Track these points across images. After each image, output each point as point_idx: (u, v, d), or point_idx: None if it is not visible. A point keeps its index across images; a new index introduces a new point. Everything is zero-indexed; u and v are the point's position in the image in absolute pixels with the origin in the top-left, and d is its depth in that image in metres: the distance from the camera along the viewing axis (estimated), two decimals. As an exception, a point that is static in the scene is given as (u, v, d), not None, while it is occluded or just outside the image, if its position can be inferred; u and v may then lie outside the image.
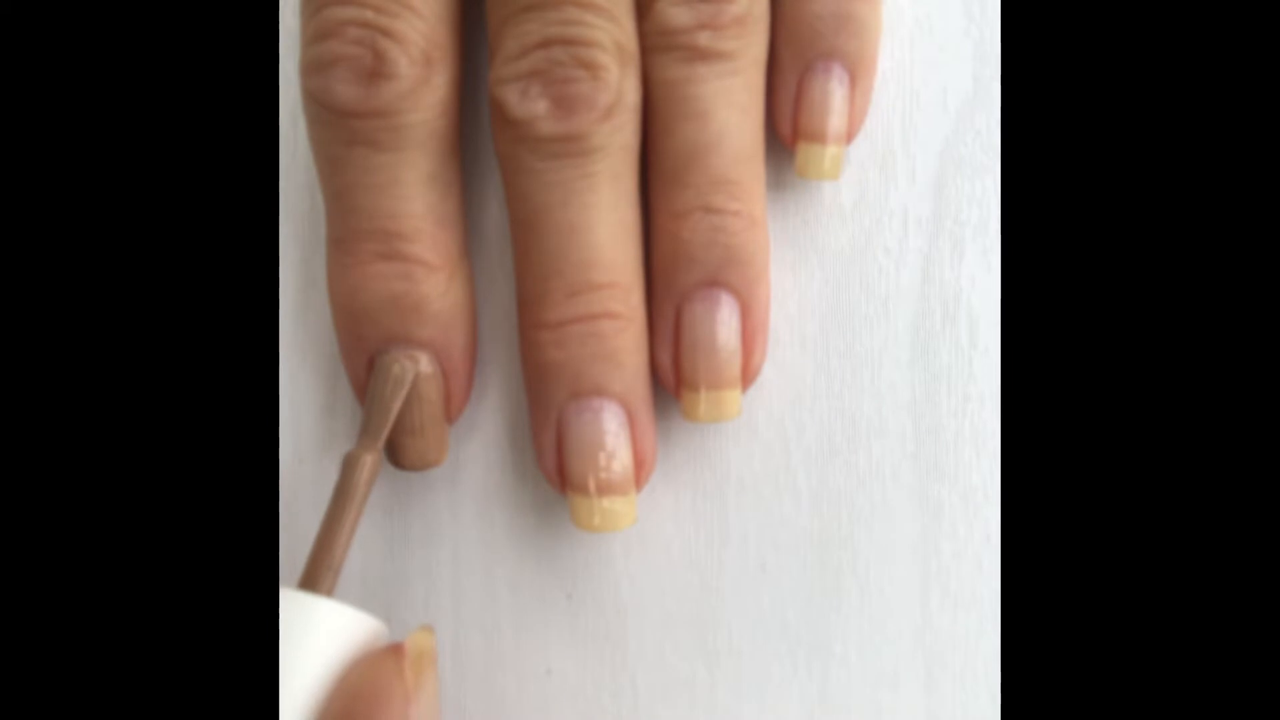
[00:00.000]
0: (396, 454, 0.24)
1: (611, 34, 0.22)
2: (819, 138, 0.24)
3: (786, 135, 0.24)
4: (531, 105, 0.22)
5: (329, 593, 0.22)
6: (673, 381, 0.24)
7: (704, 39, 0.22)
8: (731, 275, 0.23)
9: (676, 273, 0.23)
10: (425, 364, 0.23)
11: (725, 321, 0.24)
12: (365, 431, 0.23)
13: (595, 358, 0.23)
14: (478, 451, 0.26)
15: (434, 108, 0.22)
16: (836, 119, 0.24)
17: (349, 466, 0.23)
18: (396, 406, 0.23)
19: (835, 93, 0.24)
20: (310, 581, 0.22)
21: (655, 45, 0.23)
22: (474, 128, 0.25)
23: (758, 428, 0.26)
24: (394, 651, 0.21)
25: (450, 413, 0.24)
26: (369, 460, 0.23)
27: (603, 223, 0.23)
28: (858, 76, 0.24)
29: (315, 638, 0.21)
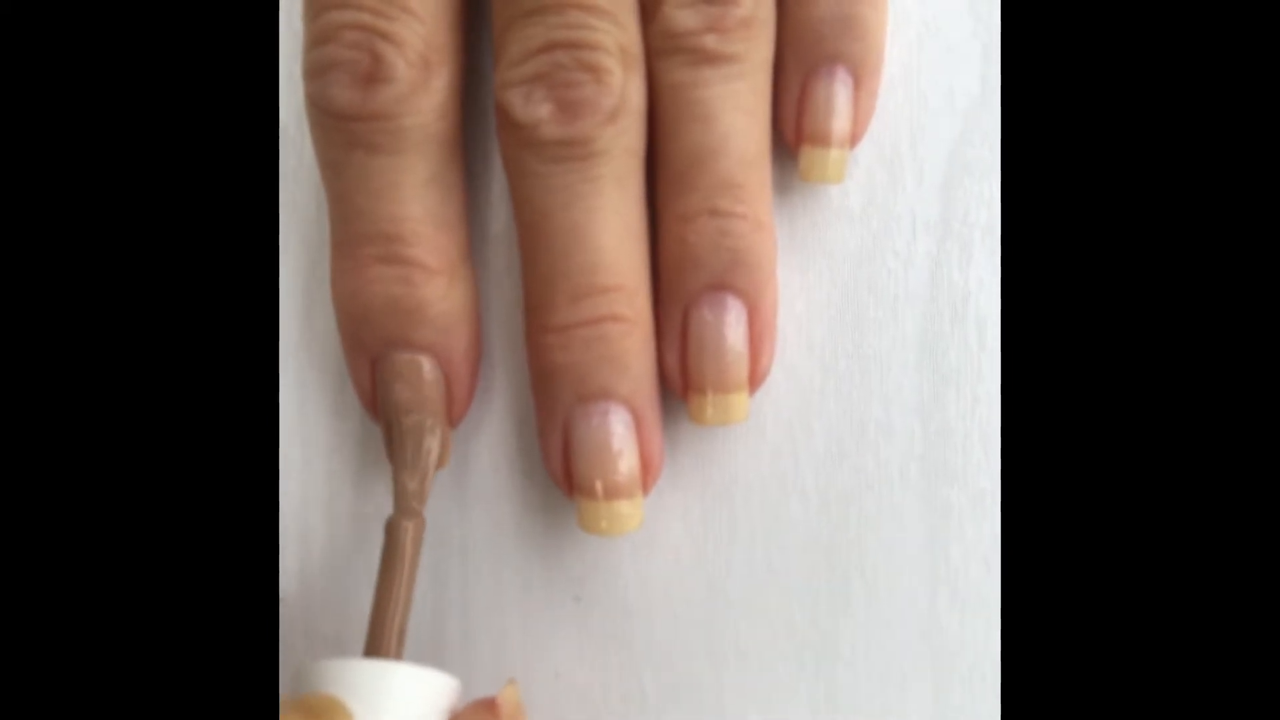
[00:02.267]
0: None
1: (615, 37, 0.22)
2: (823, 140, 0.24)
3: (791, 138, 0.24)
4: (535, 109, 0.22)
5: (399, 656, 0.22)
6: (680, 385, 0.24)
7: (710, 42, 0.22)
8: (738, 278, 0.23)
9: (683, 276, 0.23)
10: (426, 367, 0.23)
11: (732, 325, 0.23)
12: (399, 496, 0.23)
13: (601, 361, 0.23)
14: (485, 455, 0.26)
15: (432, 111, 0.22)
16: (840, 122, 0.24)
17: (391, 534, 0.22)
18: (428, 468, 0.23)
19: (839, 95, 0.24)
20: (377, 647, 0.22)
21: (661, 48, 0.23)
22: (480, 130, 0.25)
23: (765, 430, 0.26)
24: (488, 710, 0.21)
25: (452, 417, 0.24)
26: (410, 526, 0.23)
27: (607, 226, 0.23)
28: (862, 79, 0.24)
29: (399, 704, 0.21)
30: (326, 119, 0.22)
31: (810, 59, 0.24)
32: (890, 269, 0.25)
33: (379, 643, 0.22)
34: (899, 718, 0.25)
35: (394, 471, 0.23)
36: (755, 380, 0.24)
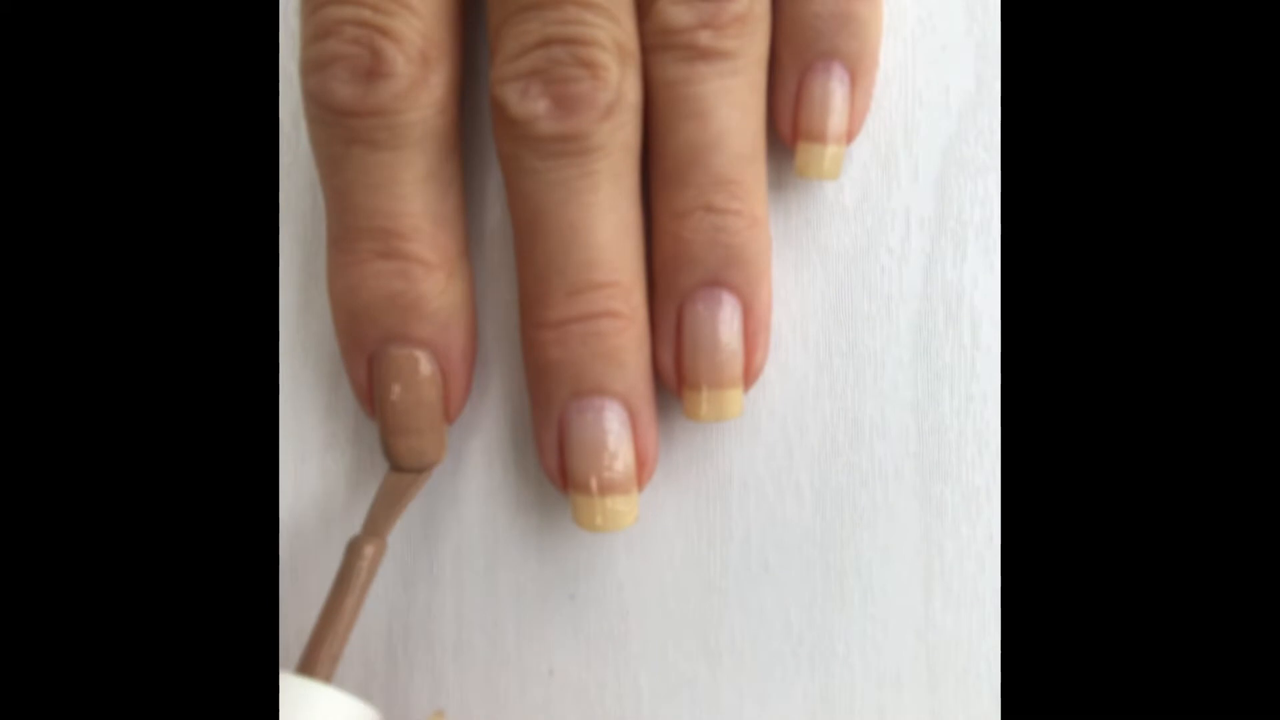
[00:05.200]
0: (395, 454, 0.24)
1: (611, 33, 0.22)
2: (819, 137, 0.24)
3: (787, 135, 0.24)
4: (532, 105, 0.22)
5: (328, 679, 0.22)
6: (675, 381, 0.24)
7: (705, 38, 0.22)
8: (733, 275, 0.23)
9: (678, 272, 0.23)
10: (424, 363, 0.23)
11: (727, 321, 0.24)
12: (371, 520, 0.23)
13: (596, 357, 0.23)
14: (480, 451, 0.26)
15: (431, 106, 0.22)
16: (836, 119, 0.24)
17: (351, 554, 0.23)
18: (407, 502, 0.24)
19: (835, 92, 0.24)
20: (309, 666, 0.22)
21: (656, 44, 0.23)
22: (476, 127, 0.25)
23: (760, 427, 0.26)
24: None
25: (449, 413, 0.24)
26: (370, 550, 0.23)
27: (604, 222, 0.23)
28: (858, 76, 0.24)
29: None
30: (325, 114, 0.22)
31: (806, 55, 0.24)
32: (884, 266, 0.26)
33: (313, 661, 0.22)
34: (894, 715, 0.25)
35: (377, 496, 0.24)
36: (749, 377, 0.24)
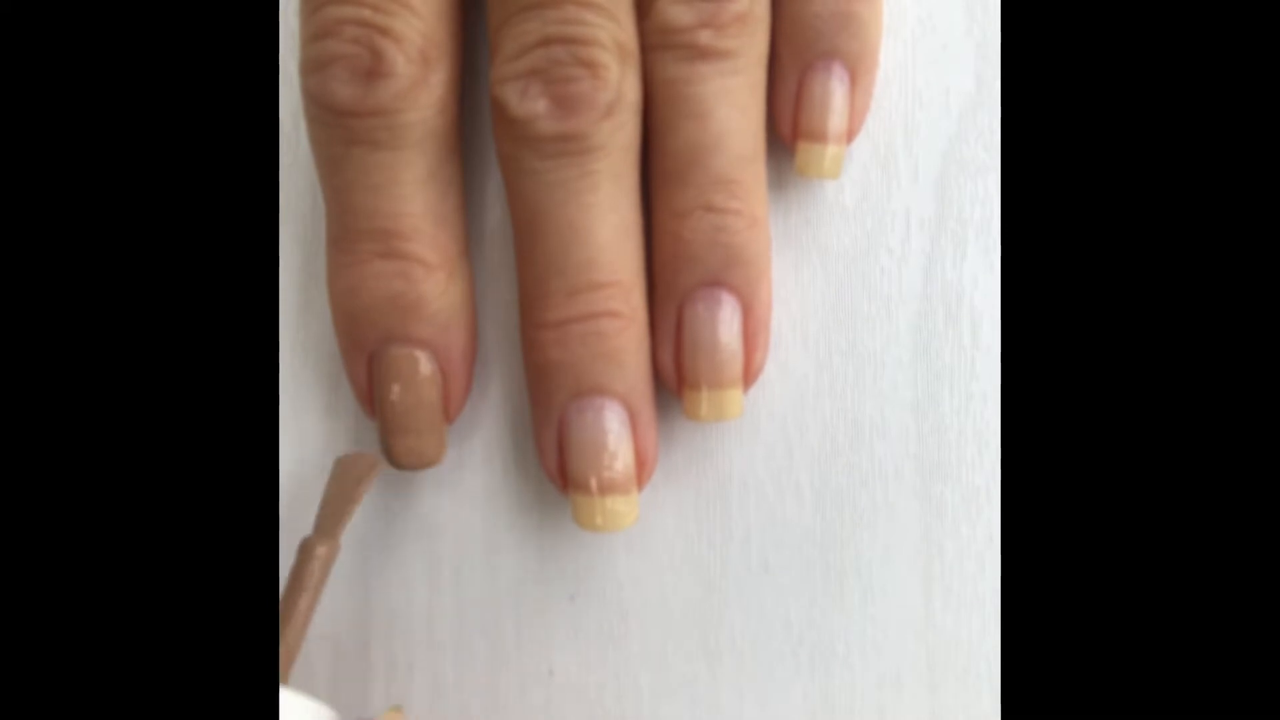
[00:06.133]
0: (395, 454, 0.24)
1: (611, 33, 0.22)
2: (819, 137, 0.24)
3: (787, 134, 0.24)
4: (531, 104, 0.22)
5: (284, 680, 0.22)
6: (675, 381, 0.24)
7: (705, 38, 0.22)
8: (733, 275, 0.23)
9: (678, 272, 0.23)
10: (424, 364, 0.23)
11: (726, 321, 0.24)
12: (321, 520, 0.23)
13: (596, 357, 0.23)
14: (480, 451, 0.26)
15: (432, 107, 0.22)
16: (837, 118, 0.24)
17: (303, 556, 0.23)
18: (358, 501, 0.23)
19: (835, 92, 0.24)
20: None
21: (656, 44, 0.23)
22: (476, 127, 0.25)
23: (760, 427, 0.26)
24: None
25: (449, 413, 0.24)
26: (322, 551, 0.23)
27: (603, 222, 0.23)
28: (858, 76, 0.24)
29: None
30: (326, 114, 0.22)
31: (806, 55, 0.24)
32: (884, 266, 0.26)
33: None
34: (894, 715, 0.25)
35: (324, 495, 0.24)
36: (749, 377, 0.24)
